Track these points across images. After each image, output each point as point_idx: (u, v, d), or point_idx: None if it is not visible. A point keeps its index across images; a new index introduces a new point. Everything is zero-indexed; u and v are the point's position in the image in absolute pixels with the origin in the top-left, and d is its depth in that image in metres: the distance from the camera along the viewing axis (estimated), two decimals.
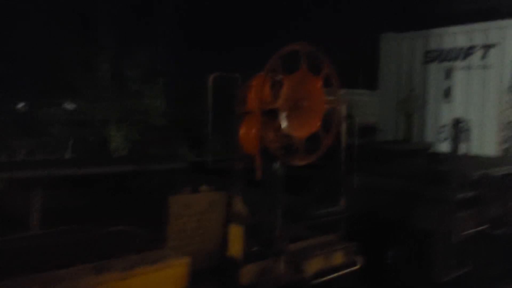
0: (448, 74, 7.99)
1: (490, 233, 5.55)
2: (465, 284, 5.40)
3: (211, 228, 3.53)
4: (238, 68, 3.82)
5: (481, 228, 5.39)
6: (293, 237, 3.92)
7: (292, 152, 3.71)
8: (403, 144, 7.80)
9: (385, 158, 6.22)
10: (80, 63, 11.49)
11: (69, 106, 11.84)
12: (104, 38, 11.73)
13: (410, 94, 8.37)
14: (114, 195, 4.16)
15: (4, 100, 11.20)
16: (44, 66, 11.10)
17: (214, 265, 3.51)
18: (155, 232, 3.27)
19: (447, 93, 7.99)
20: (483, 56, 7.60)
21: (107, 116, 11.52)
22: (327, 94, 3.93)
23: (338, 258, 4.10)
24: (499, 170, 5.96)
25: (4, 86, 10.74)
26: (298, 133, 3.72)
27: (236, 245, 3.55)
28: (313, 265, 3.87)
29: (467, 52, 7.78)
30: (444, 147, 7.08)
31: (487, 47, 7.57)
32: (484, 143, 7.34)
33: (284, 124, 3.63)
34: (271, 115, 3.60)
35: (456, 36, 7.93)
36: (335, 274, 3.96)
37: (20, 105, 11.81)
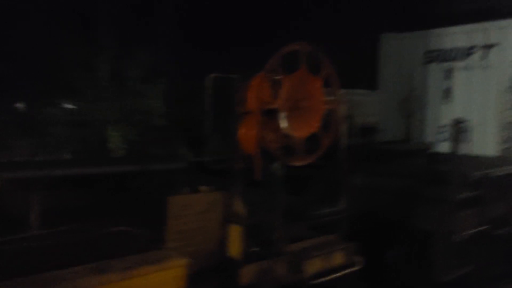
0: (448, 74, 7.98)
1: (491, 233, 5.55)
2: (465, 284, 5.40)
3: (211, 228, 3.52)
4: (238, 68, 3.82)
5: (481, 228, 5.40)
6: (293, 237, 3.92)
7: (291, 152, 3.71)
8: (403, 144, 7.80)
9: (385, 158, 6.22)
10: (80, 63, 11.48)
11: (69, 106, 11.83)
12: (104, 38, 11.72)
13: (410, 94, 8.36)
14: (114, 195, 4.16)
15: (4, 100, 11.20)
16: (44, 66, 11.10)
17: (214, 266, 3.50)
18: (154, 233, 3.27)
19: (447, 93, 7.98)
20: (483, 56, 7.59)
21: (107, 116, 11.51)
22: (326, 94, 3.93)
23: (338, 258, 4.10)
24: (499, 170, 5.96)
25: (4, 86, 10.73)
26: (298, 133, 3.72)
27: (235, 246, 3.54)
28: (313, 266, 3.87)
29: (467, 52, 7.77)
30: (444, 147, 7.07)
31: (487, 47, 7.56)
32: (484, 143, 7.33)
33: (283, 124, 3.63)
34: (271, 115, 3.60)
35: (456, 36, 7.93)
36: (335, 275, 3.96)
37: (20, 105, 11.81)
